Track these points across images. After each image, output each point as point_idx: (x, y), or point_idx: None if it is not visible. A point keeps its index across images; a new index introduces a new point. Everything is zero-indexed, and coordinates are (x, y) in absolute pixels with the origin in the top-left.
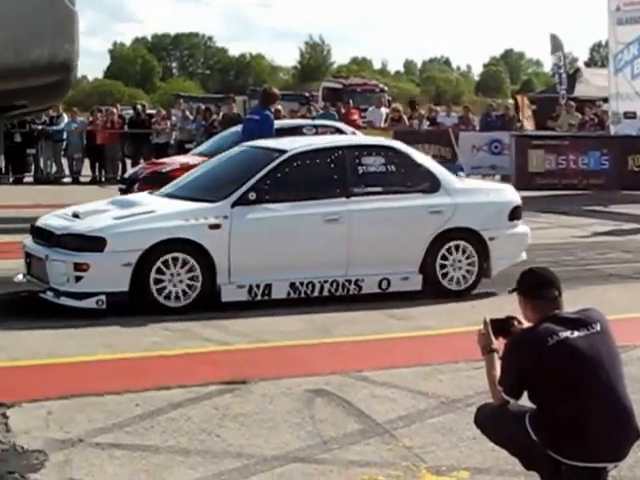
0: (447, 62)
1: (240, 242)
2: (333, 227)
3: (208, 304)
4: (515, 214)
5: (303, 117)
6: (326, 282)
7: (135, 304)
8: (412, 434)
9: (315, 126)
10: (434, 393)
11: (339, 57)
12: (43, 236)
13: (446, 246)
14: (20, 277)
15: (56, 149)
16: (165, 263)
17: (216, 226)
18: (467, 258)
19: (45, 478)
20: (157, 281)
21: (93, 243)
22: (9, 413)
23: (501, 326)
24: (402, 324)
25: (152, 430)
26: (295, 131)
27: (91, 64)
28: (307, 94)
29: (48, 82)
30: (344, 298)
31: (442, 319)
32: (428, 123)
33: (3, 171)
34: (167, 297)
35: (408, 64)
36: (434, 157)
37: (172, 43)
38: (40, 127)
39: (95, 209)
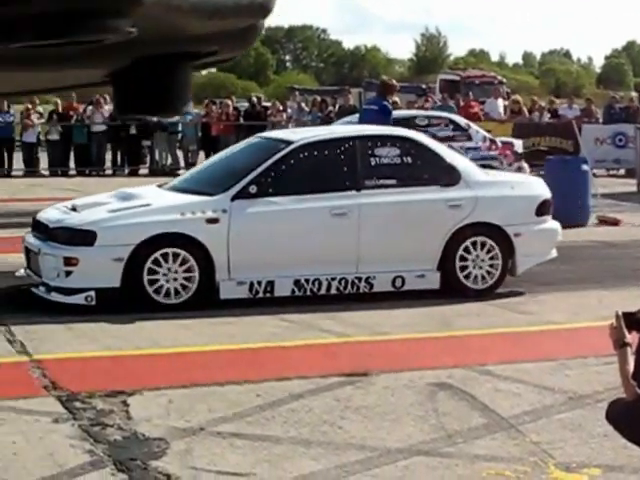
0: (567, 54)
1: (240, 237)
2: (341, 222)
3: (206, 301)
4: (543, 209)
5: (421, 109)
6: (334, 279)
7: (128, 301)
8: (539, 429)
9: (428, 117)
10: (560, 388)
11: (456, 49)
12: (40, 229)
13: (467, 242)
14: (22, 271)
15: (171, 141)
16: (160, 258)
17: (214, 220)
18: (490, 255)
19: (167, 466)
20: (151, 277)
21: (83, 237)
22: (130, 401)
23: (634, 320)
24: (524, 318)
25: (273, 420)
26: (408, 122)
27: None
28: (424, 86)
29: (242, 26)
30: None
31: (567, 314)
32: (549, 115)
33: (119, 162)
34: (161, 294)
35: (527, 56)
36: (556, 149)
37: (286, 36)
38: (155, 119)
39: (95, 202)
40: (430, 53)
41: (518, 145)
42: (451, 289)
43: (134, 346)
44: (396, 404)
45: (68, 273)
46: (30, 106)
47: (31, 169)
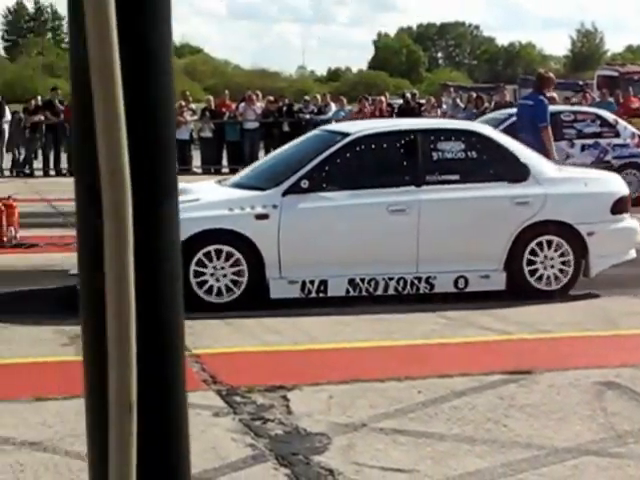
0: None
1: (291, 234)
2: (399, 218)
3: (255, 301)
4: (620, 207)
5: (578, 105)
6: (392, 279)
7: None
8: None
9: (574, 112)
10: None
11: (613, 45)
12: None
13: (535, 241)
14: (74, 270)
15: None
16: (207, 255)
17: (264, 216)
18: (561, 255)
19: (330, 461)
20: (198, 275)
21: None
22: (290, 396)
23: None
24: None
25: (436, 417)
26: (553, 117)
27: (355, 56)
28: (581, 82)
29: None
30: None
31: None
32: None
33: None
34: (209, 292)
35: None
36: None
37: (437, 33)
38: (308, 116)
39: None
40: (586, 49)
41: None
42: (518, 290)
43: (291, 341)
44: (562, 403)
45: None
46: (183, 103)
47: (184, 167)
